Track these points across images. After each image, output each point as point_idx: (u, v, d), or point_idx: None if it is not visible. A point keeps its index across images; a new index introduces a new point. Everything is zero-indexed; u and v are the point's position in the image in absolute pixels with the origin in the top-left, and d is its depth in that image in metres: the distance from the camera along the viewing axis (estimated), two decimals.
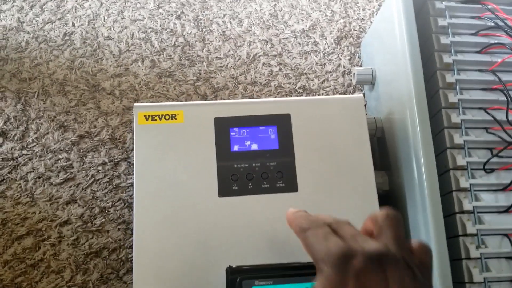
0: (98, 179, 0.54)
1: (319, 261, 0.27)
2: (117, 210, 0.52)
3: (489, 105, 0.45)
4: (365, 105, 0.58)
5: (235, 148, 0.45)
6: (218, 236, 0.42)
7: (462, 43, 0.47)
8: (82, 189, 0.53)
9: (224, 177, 0.43)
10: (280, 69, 0.60)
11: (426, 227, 0.41)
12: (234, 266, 0.37)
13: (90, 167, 0.54)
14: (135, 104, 0.46)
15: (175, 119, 0.45)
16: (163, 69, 0.59)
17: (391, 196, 0.49)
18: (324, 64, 0.60)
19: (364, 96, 0.58)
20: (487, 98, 0.45)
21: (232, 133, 0.45)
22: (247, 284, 0.36)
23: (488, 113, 0.45)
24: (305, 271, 0.37)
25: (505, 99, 0.45)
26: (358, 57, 0.61)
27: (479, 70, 0.47)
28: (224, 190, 0.43)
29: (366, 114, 0.57)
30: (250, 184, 0.43)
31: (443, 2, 0.48)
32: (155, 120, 0.45)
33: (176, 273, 0.40)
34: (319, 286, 0.27)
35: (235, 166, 0.44)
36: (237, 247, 0.41)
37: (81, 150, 0.55)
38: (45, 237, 0.51)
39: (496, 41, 0.47)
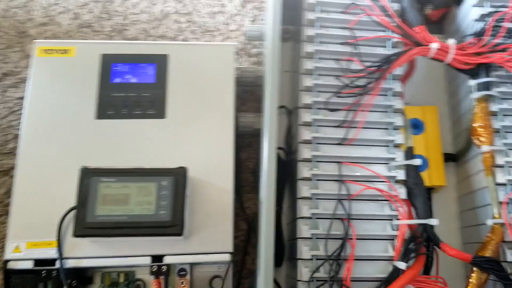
0: (15, 111, 0.61)
1: None
2: None
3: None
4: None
5: (116, 80, 0.52)
6: (92, 151, 0.49)
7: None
8: (1, 118, 0.61)
9: (102, 103, 0.51)
10: (188, 26, 0.67)
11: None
12: (87, 167, 0.44)
13: (9, 101, 0.62)
14: (35, 40, 0.53)
15: (68, 53, 0.53)
16: (83, 21, 0.66)
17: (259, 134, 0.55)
18: (229, 23, 0.67)
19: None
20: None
21: (114, 68, 0.52)
22: (95, 180, 0.43)
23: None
24: (141, 173, 0.44)
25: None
26: (261, 19, 0.67)
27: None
28: (100, 113, 0.50)
29: (255, 65, 0.63)
30: (124, 110, 0.51)
31: None
32: (51, 53, 0.52)
33: (54, 177, 0.48)
34: None
35: (113, 95, 0.51)
36: (107, 161, 0.48)
37: (4, 86, 0.63)
38: None
39: None
